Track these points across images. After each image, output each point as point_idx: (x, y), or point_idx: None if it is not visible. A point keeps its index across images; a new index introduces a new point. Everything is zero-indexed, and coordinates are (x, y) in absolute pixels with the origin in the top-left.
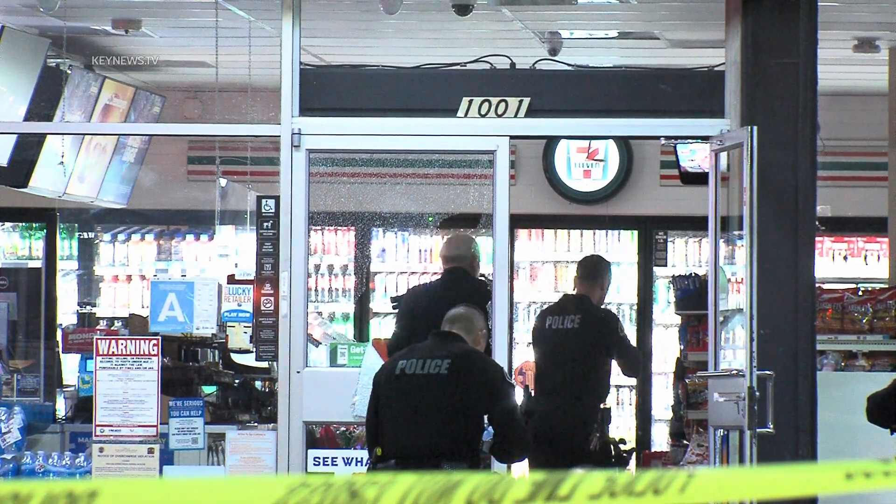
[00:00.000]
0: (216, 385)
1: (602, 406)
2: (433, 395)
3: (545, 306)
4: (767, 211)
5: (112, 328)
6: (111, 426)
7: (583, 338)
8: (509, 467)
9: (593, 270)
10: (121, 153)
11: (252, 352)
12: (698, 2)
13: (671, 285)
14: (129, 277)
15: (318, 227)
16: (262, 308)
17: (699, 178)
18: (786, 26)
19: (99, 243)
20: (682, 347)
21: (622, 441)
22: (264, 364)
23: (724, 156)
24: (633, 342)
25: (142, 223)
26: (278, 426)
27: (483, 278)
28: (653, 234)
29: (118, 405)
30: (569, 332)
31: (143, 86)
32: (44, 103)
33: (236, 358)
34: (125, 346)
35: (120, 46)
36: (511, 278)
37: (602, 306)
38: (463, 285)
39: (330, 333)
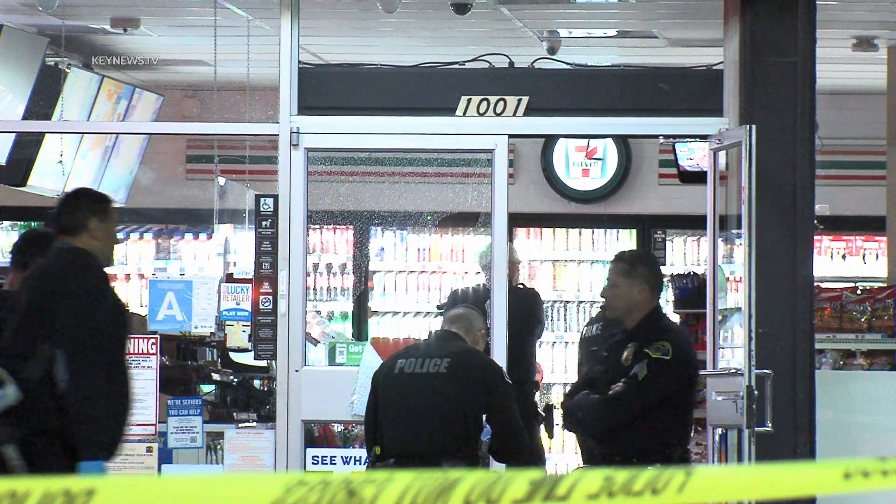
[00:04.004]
0: (215, 384)
1: None
2: (432, 394)
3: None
4: (766, 210)
5: None
6: None
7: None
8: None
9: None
10: (118, 152)
11: (250, 350)
12: (697, 0)
13: (670, 284)
14: (128, 276)
15: (317, 226)
16: (261, 307)
17: (698, 177)
18: (784, 25)
19: None
20: None
21: None
22: (263, 363)
23: (722, 154)
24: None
25: (140, 222)
26: (277, 425)
27: (522, 286)
28: (651, 232)
29: None
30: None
31: (141, 84)
32: (42, 102)
33: (235, 357)
34: None
35: (119, 45)
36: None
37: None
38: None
39: (328, 332)
